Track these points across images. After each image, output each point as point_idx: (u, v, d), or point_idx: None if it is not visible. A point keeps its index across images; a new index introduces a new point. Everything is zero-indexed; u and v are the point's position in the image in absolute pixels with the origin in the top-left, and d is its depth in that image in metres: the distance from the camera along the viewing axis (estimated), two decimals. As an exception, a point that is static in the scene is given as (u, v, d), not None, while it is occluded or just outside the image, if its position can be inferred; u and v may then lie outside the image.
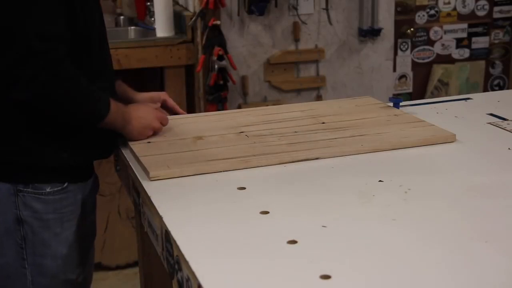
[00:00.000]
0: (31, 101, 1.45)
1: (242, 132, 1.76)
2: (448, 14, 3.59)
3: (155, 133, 1.71)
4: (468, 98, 2.15)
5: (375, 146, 1.67)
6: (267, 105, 2.81)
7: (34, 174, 1.52)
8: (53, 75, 1.42)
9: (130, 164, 1.60)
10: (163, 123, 1.73)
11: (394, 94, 3.50)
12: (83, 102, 1.51)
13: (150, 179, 1.49)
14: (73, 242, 1.59)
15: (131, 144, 1.66)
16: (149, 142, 1.68)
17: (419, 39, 3.57)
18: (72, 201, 1.57)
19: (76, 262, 1.63)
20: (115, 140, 1.68)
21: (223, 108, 3.04)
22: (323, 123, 1.84)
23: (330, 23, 3.24)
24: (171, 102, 1.85)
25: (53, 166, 1.53)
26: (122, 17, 3.51)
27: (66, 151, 1.54)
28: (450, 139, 1.73)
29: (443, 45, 3.62)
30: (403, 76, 3.60)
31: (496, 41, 3.71)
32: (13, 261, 1.55)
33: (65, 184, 1.55)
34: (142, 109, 1.70)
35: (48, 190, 1.53)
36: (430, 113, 1.97)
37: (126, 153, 1.66)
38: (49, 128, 1.52)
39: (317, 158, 1.61)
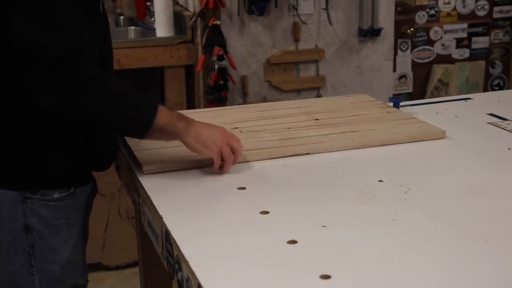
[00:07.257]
0: (56, 109, 1.40)
1: (236, 127, 1.78)
2: (448, 14, 3.59)
3: (234, 150, 1.52)
4: (468, 98, 2.15)
5: (366, 142, 1.68)
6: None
7: (42, 180, 1.51)
8: (74, 80, 1.36)
9: (130, 163, 1.60)
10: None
11: (394, 94, 3.50)
12: (116, 107, 1.41)
13: (144, 172, 1.50)
14: (79, 247, 1.59)
15: (127, 139, 1.67)
16: None
17: (419, 39, 3.57)
18: (78, 206, 1.57)
19: (83, 267, 1.63)
20: (114, 154, 1.66)
21: (223, 108, 3.04)
22: (317, 119, 1.85)
23: (330, 23, 3.24)
24: None
25: (59, 173, 1.53)
26: (122, 17, 3.51)
27: (69, 159, 1.52)
28: (440, 135, 1.74)
29: (443, 45, 3.62)
30: (403, 76, 3.60)
31: (496, 41, 3.71)
32: (21, 268, 1.54)
33: (71, 190, 1.55)
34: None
35: (55, 196, 1.52)
36: (430, 113, 1.97)
37: (125, 152, 1.66)
38: (52, 136, 1.49)
39: (307, 154, 1.62)
